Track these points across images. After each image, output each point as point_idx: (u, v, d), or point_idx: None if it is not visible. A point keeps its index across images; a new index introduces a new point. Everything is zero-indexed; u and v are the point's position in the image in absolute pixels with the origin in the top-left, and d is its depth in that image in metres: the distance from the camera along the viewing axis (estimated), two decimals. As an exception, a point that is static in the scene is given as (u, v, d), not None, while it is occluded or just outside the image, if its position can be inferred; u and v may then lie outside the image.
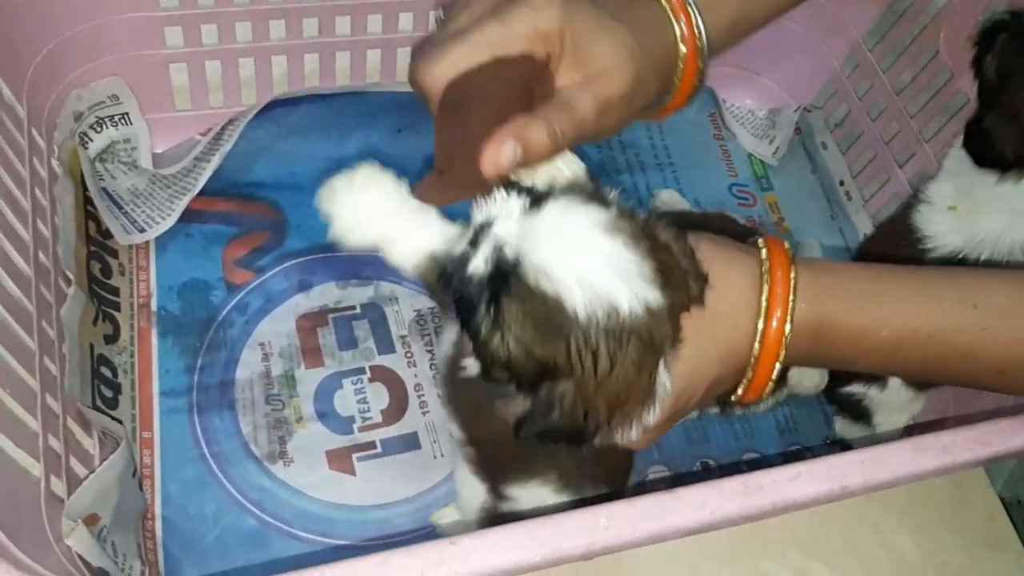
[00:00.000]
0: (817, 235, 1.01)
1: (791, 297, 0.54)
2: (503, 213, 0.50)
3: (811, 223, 1.03)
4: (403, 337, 0.88)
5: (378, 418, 0.83)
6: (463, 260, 0.51)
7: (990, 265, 0.77)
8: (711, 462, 0.86)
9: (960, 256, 0.78)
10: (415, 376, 0.86)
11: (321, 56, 0.93)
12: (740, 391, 0.58)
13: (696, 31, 0.58)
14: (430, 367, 0.86)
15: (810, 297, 0.55)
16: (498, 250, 0.49)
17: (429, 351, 0.87)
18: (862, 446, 0.60)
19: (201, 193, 0.89)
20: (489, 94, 0.55)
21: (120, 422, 0.74)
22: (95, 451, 0.73)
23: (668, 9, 0.58)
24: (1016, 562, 0.79)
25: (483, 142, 0.53)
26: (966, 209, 0.78)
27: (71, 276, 0.76)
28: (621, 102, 0.56)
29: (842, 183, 1.03)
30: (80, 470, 0.69)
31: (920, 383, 0.85)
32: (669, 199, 0.98)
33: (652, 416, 0.52)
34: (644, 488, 0.83)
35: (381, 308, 0.89)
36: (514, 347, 0.49)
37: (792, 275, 0.55)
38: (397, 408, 0.84)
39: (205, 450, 0.79)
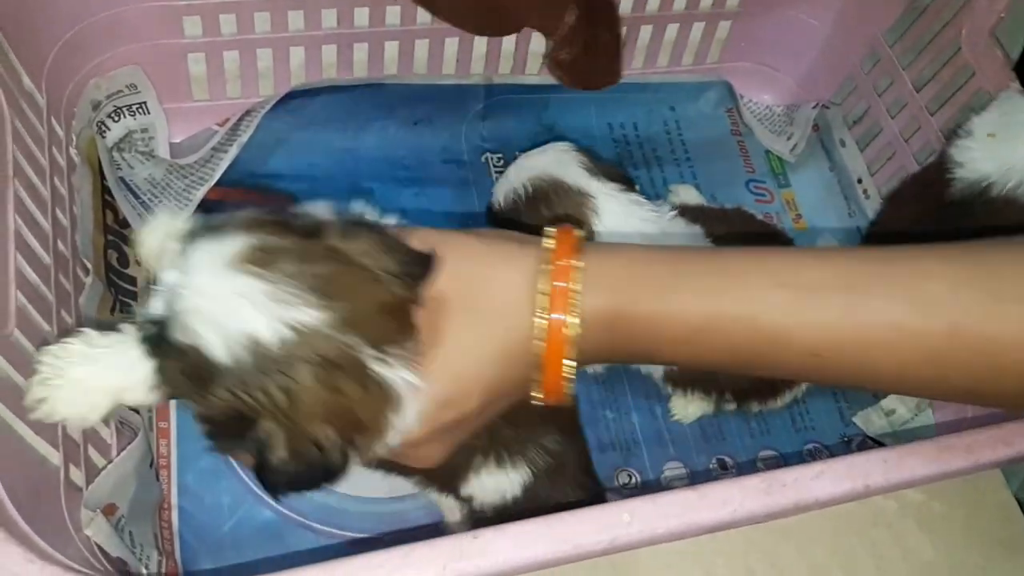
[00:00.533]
0: (834, 232, 1.01)
1: (575, 289, 0.50)
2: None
3: (828, 220, 1.03)
4: (419, 330, 0.87)
5: (394, 410, 0.83)
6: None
7: (1014, 198, 0.76)
8: (727, 459, 0.86)
9: (986, 184, 0.77)
10: (431, 369, 0.86)
11: (339, 47, 0.93)
12: (535, 392, 0.53)
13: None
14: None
15: (603, 287, 0.51)
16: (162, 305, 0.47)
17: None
18: (879, 443, 0.61)
19: (218, 184, 0.88)
20: None
21: (137, 412, 0.74)
22: (112, 441, 0.73)
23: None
24: (1032, 563, 0.79)
25: None
26: (1003, 136, 0.78)
27: (89, 265, 0.76)
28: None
29: (860, 180, 1.03)
30: (98, 460, 0.69)
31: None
32: (685, 194, 0.98)
33: (404, 422, 0.49)
34: (660, 486, 0.83)
35: (397, 300, 0.89)
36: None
37: (578, 265, 0.51)
38: (413, 401, 0.84)
39: (221, 441, 0.79)
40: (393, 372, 0.47)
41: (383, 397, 0.48)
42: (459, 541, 0.47)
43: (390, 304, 0.48)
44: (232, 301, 0.45)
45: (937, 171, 0.83)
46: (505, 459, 0.66)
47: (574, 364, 0.51)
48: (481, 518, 0.71)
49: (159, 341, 0.47)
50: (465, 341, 0.51)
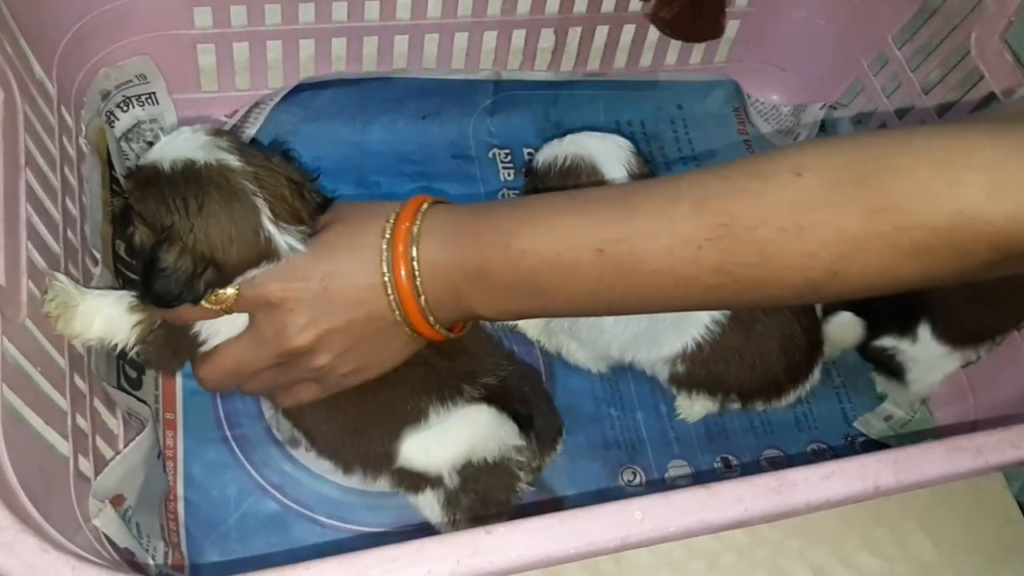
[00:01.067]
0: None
1: (409, 246, 0.59)
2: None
3: (834, 221, 1.03)
4: (425, 325, 0.87)
5: (399, 405, 0.83)
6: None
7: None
8: (732, 458, 0.86)
9: None
10: (437, 364, 0.86)
11: (349, 41, 0.93)
12: (411, 343, 0.64)
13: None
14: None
15: (455, 244, 0.59)
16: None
17: (451, 339, 0.87)
18: (883, 444, 0.61)
19: (225, 175, 0.88)
20: None
21: (145, 403, 0.74)
22: (119, 432, 0.73)
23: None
24: (1033, 565, 0.80)
25: None
26: None
27: (98, 255, 0.76)
28: None
29: (866, 181, 1.03)
30: (106, 451, 0.69)
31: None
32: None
33: (268, 273, 0.61)
34: (665, 484, 0.83)
35: (404, 295, 0.89)
36: (135, 220, 0.61)
37: (413, 225, 0.60)
38: (419, 395, 0.84)
39: (227, 432, 0.79)
40: (280, 235, 0.60)
41: (263, 245, 0.60)
42: (473, 536, 0.47)
43: (293, 196, 0.62)
44: (181, 142, 0.61)
45: None
46: (449, 395, 0.71)
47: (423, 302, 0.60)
48: (465, 509, 0.72)
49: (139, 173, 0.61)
50: (337, 268, 0.61)
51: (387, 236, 0.60)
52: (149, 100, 0.89)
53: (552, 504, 0.80)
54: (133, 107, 0.89)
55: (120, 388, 0.74)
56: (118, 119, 0.88)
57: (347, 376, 0.65)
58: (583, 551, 0.48)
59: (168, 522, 0.74)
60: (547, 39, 0.98)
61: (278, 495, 0.77)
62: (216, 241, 0.59)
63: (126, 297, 0.65)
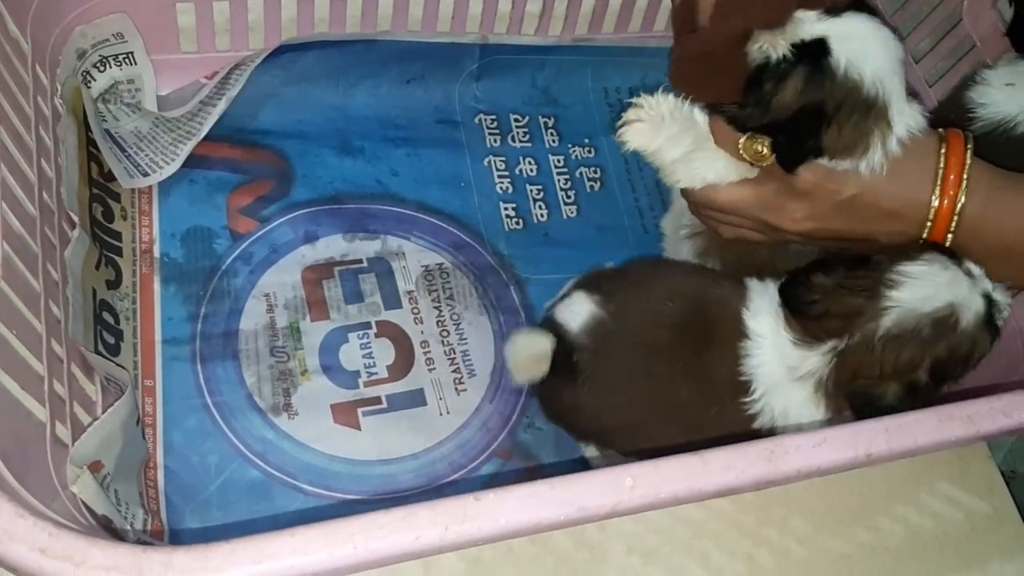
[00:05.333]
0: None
1: (960, 191, 0.66)
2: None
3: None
4: (410, 292, 0.86)
5: (384, 373, 0.82)
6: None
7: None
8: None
9: (1012, 124, 0.78)
10: (421, 332, 0.85)
11: (332, 2, 0.90)
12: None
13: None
14: (436, 323, 0.85)
15: (995, 210, 0.67)
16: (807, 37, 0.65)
17: (436, 307, 0.86)
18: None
19: (205, 138, 0.87)
20: None
21: (124, 368, 0.73)
22: (97, 398, 0.72)
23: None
24: (1015, 534, 0.80)
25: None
26: (1022, 85, 0.79)
27: (75, 218, 0.74)
28: None
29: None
30: (83, 417, 0.68)
31: None
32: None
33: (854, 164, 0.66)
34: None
35: (388, 263, 0.88)
36: (790, 90, 0.65)
37: (963, 169, 0.67)
38: (403, 364, 0.83)
39: (208, 400, 0.78)
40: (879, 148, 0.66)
41: (868, 146, 0.66)
42: (462, 503, 0.46)
43: None
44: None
45: (953, 109, 0.82)
46: None
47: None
48: None
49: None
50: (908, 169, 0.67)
51: (941, 167, 0.67)
52: (127, 60, 0.87)
53: (537, 471, 0.80)
54: (110, 67, 0.86)
55: (97, 354, 0.73)
56: (95, 79, 0.86)
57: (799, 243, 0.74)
58: (573, 517, 0.47)
59: (148, 489, 0.73)
60: (535, 3, 0.96)
61: (260, 463, 0.76)
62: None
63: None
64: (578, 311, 0.74)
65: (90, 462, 0.63)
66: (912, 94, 0.70)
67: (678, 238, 0.86)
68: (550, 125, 1.00)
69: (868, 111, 0.66)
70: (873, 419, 0.54)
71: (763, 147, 0.67)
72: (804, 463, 0.52)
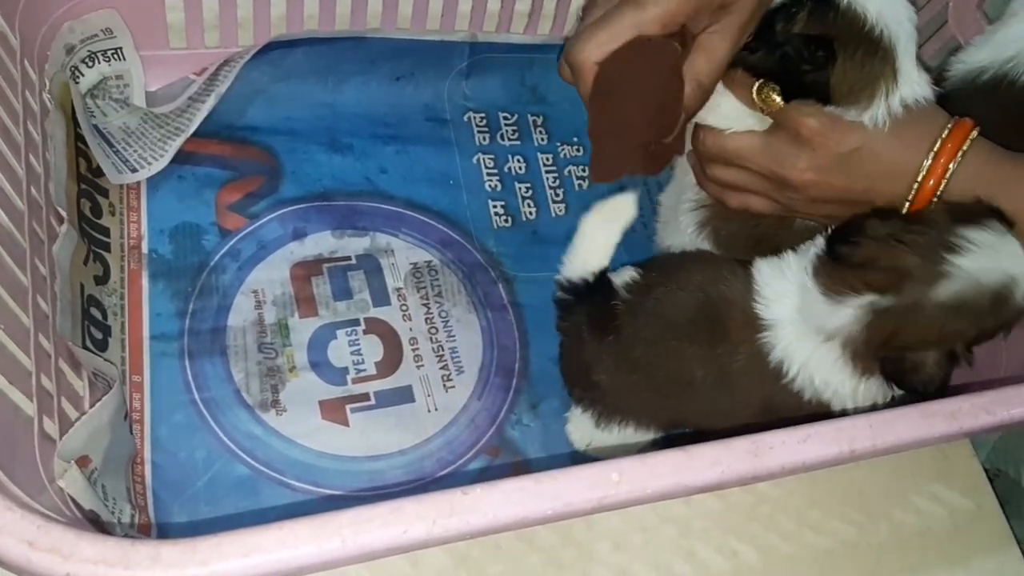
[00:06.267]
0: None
1: (949, 164, 0.68)
2: None
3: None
4: (398, 290, 0.87)
5: (372, 370, 0.82)
6: None
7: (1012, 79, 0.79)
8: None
9: (987, 75, 0.79)
10: (410, 329, 0.85)
11: (321, -1, 0.91)
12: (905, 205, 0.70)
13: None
14: (425, 321, 0.86)
15: (987, 182, 0.67)
16: None
17: (424, 304, 0.86)
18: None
19: (194, 135, 0.86)
20: (637, 74, 0.64)
21: (112, 363, 0.73)
22: (85, 393, 0.72)
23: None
24: (998, 532, 0.80)
25: (637, 120, 0.67)
26: (999, 24, 0.81)
27: (63, 213, 0.74)
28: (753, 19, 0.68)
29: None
30: (71, 412, 0.68)
31: None
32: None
33: (858, 114, 0.69)
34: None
35: (376, 260, 0.88)
36: (798, 25, 0.68)
37: (959, 150, 0.68)
38: (391, 361, 0.83)
39: (196, 396, 0.78)
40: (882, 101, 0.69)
41: (875, 92, 0.69)
42: (449, 497, 0.46)
43: None
44: None
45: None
46: None
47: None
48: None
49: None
50: (883, 143, 0.70)
51: (942, 137, 0.68)
52: (115, 56, 0.87)
53: (524, 467, 0.80)
54: (99, 62, 0.86)
55: (85, 349, 0.73)
56: (83, 75, 0.85)
57: (801, 212, 0.76)
58: (560, 512, 0.48)
59: (135, 485, 0.73)
60: (524, 2, 0.96)
61: (248, 459, 0.76)
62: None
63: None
64: (624, 274, 0.76)
65: (77, 457, 0.63)
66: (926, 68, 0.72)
67: (678, 212, 0.87)
68: (539, 123, 1.01)
69: (873, 50, 0.68)
70: (857, 415, 0.54)
71: (775, 93, 0.70)
72: (789, 459, 0.52)
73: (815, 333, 0.68)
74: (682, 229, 0.86)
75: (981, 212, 0.66)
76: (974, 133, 0.69)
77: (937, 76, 0.81)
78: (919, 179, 0.69)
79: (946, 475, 0.82)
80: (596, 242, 0.76)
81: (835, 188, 0.72)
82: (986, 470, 0.84)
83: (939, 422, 0.55)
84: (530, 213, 0.95)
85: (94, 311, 0.77)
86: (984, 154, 0.69)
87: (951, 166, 0.68)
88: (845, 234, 0.68)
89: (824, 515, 0.78)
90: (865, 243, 0.66)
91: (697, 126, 0.75)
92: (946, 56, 0.86)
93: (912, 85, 0.70)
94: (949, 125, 0.69)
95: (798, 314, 0.69)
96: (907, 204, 0.70)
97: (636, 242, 0.91)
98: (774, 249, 0.74)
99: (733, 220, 0.81)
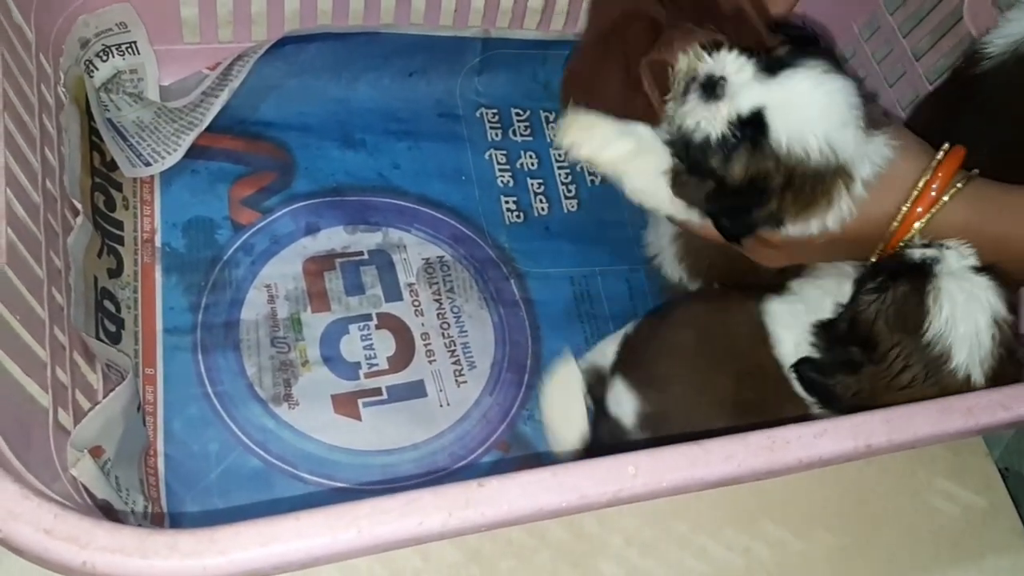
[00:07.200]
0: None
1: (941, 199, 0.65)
2: (736, 72, 0.63)
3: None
4: (411, 285, 0.87)
5: (384, 365, 0.82)
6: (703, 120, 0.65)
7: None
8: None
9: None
10: (422, 325, 0.85)
11: (335, -6, 0.91)
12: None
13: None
14: (437, 316, 0.86)
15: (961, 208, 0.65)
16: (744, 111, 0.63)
17: (437, 300, 0.86)
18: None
19: (207, 129, 0.87)
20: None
21: (126, 354, 0.73)
22: (99, 385, 0.72)
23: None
24: (1010, 529, 0.80)
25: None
26: None
27: (78, 206, 0.74)
28: None
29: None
30: (85, 404, 0.68)
31: None
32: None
33: (820, 224, 0.66)
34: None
35: (389, 255, 0.88)
36: (737, 166, 0.64)
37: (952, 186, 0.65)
38: (403, 356, 0.83)
39: (209, 389, 0.78)
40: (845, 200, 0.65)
41: (831, 205, 0.65)
42: (465, 488, 0.46)
43: None
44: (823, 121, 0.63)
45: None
46: None
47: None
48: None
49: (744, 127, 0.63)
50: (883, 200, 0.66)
51: (907, 204, 0.66)
52: (130, 50, 0.87)
53: (535, 463, 0.80)
54: (113, 56, 0.86)
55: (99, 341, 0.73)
56: (97, 69, 0.86)
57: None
58: (575, 504, 0.48)
59: (148, 476, 0.73)
60: (537, -2, 0.97)
61: (261, 452, 0.76)
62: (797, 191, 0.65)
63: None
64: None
65: (91, 446, 0.63)
66: (885, 114, 0.70)
67: (664, 244, 0.86)
68: (551, 119, 1.01)
69: (820, 177, 0.64)
70: (874, 411, 0.54)
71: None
72: (805, 453, 0.52)
73: None
74: (669, 259, 0.86)
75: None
76: (957, 165, 0.66)
77: (970, 56, 0.80)
78: (896, 223, 0.67)
79: (959, 473, 0.82)
80: (564, 417, 0.77)
81: (815, 260, 0.73)
82: (999, 469, 0.84)
83: (955, 418, 0.55)
84: (542, 209, 0.95)
85: (107, 304, 0.77)
86: (973, 189, 0.66)
87: (931, 210, 0.66)
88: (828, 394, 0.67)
89: (836, 512, 0.78)
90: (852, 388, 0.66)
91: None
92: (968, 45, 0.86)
93: (869, 161, 0.65)
94: (933, 164, 0.66)
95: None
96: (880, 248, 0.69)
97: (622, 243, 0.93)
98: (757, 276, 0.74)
99: (715, 247, 0.78)
